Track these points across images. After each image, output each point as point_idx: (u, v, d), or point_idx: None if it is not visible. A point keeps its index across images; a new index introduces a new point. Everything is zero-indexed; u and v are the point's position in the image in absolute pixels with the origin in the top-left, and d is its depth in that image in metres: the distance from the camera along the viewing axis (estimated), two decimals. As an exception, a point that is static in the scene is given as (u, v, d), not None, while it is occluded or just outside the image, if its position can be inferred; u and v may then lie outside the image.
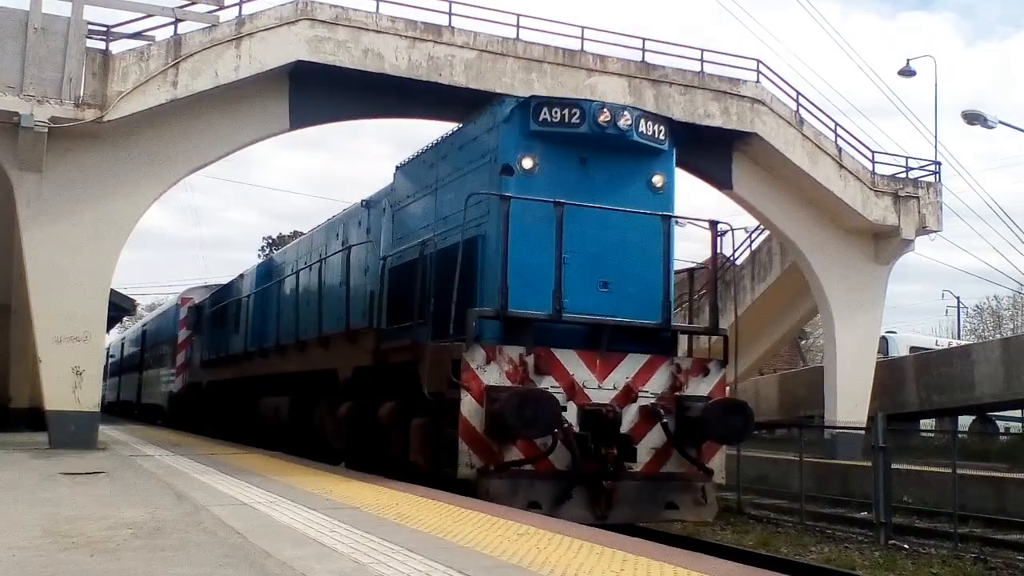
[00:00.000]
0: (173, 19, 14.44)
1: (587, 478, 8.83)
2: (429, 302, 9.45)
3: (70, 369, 13.93)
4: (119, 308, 25.07)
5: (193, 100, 14.35)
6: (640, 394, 9.26)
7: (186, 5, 14.72)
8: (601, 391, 9.15)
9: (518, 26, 16.50)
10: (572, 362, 9.09)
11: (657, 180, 9.96)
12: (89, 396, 14.15)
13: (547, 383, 8.89)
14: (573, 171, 9.62)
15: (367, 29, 15.27)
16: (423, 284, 9.73)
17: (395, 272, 11.09)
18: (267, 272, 18.63)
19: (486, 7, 16.44)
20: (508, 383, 8.69)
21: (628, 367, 9.31)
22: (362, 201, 12.85)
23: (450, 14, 16.07)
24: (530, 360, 8.88)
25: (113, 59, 13.89)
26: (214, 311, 21.95)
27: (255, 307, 18.25)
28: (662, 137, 10.00)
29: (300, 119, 15.59)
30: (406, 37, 15.51)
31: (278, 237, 52.46)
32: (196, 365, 23.54)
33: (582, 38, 17.02)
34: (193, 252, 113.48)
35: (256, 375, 17.63)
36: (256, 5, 14.86)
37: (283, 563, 4.79)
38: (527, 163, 9.44)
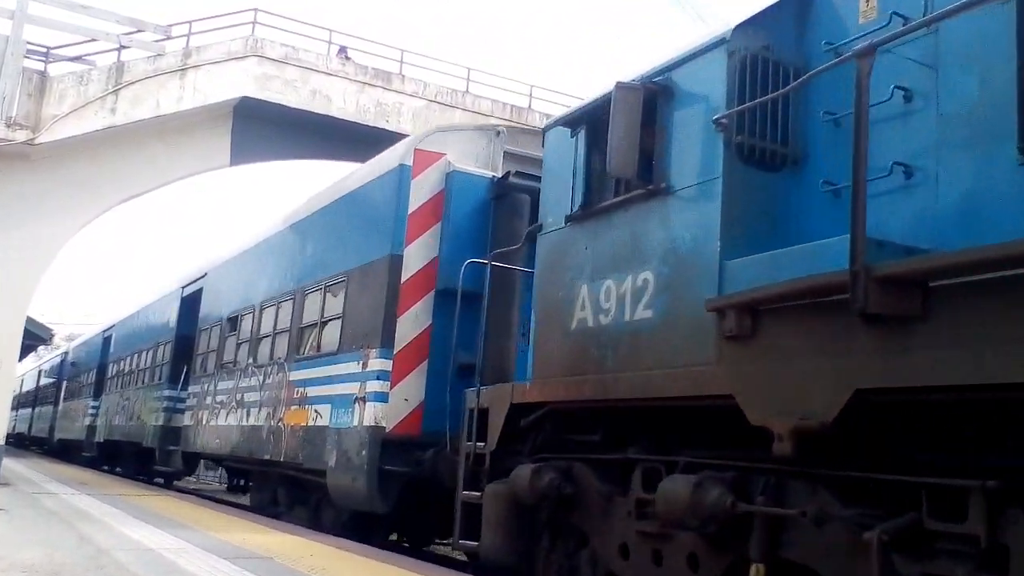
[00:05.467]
0: (117, 45, 14.21)
1: None
2: None
3: (-23, 398, 13.34)
4: (34, 336, 24.19)
5: (131, 128, 14.05)
6: None
7: (132, 32, 14.49)
8: None
9: (468, 79, 16.66)
10: None
11: None
12: (-5, 427, 13.55)
13: None
14: None
15: (316, 71, 15.21)
16: None
17: None
18: None
19: (438, 58, 16.58)
20: None
21: None
22: None
23: (401, 62, 16.17)
24: None
25: (51, 81, 13.55)
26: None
27: None
28: None
29: (241, 156, 15.36)
30: (355, 81, 15.48)
31: None
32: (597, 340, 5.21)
33: (530, 96, 17.29)
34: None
35: None
36: (205, 38, 14.73)
37: (185, 615, 4.50)
38: None
